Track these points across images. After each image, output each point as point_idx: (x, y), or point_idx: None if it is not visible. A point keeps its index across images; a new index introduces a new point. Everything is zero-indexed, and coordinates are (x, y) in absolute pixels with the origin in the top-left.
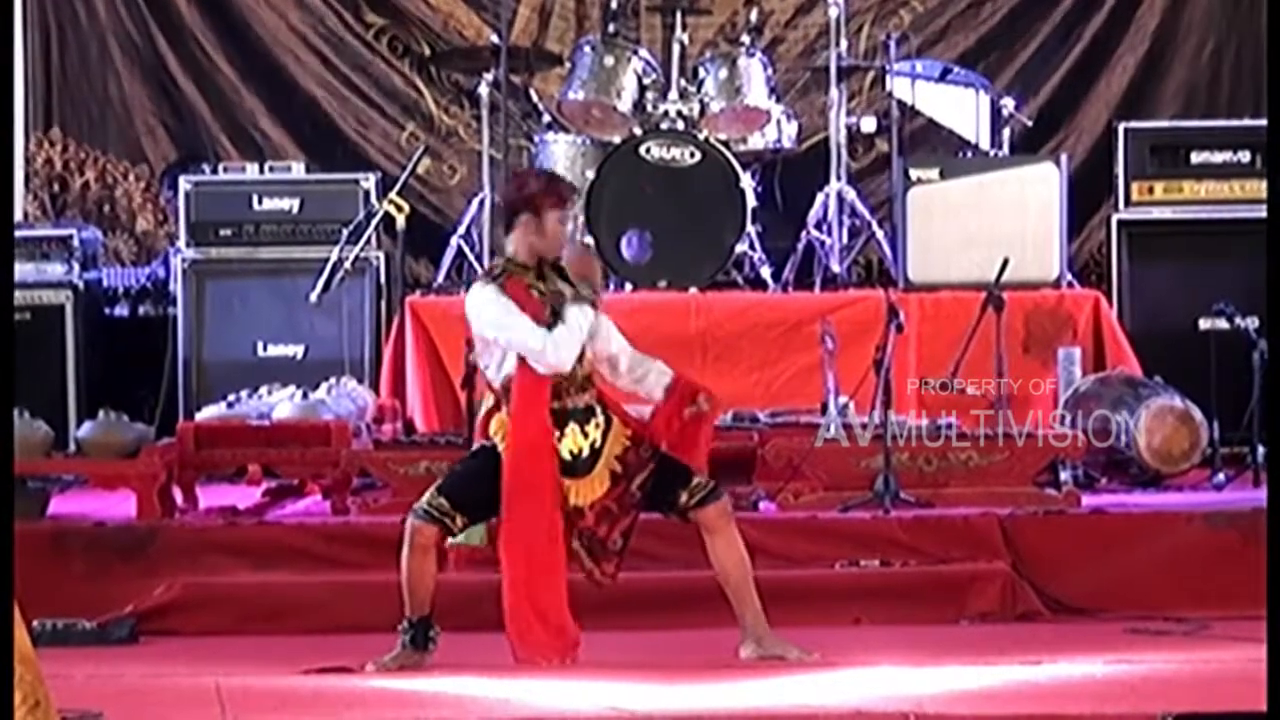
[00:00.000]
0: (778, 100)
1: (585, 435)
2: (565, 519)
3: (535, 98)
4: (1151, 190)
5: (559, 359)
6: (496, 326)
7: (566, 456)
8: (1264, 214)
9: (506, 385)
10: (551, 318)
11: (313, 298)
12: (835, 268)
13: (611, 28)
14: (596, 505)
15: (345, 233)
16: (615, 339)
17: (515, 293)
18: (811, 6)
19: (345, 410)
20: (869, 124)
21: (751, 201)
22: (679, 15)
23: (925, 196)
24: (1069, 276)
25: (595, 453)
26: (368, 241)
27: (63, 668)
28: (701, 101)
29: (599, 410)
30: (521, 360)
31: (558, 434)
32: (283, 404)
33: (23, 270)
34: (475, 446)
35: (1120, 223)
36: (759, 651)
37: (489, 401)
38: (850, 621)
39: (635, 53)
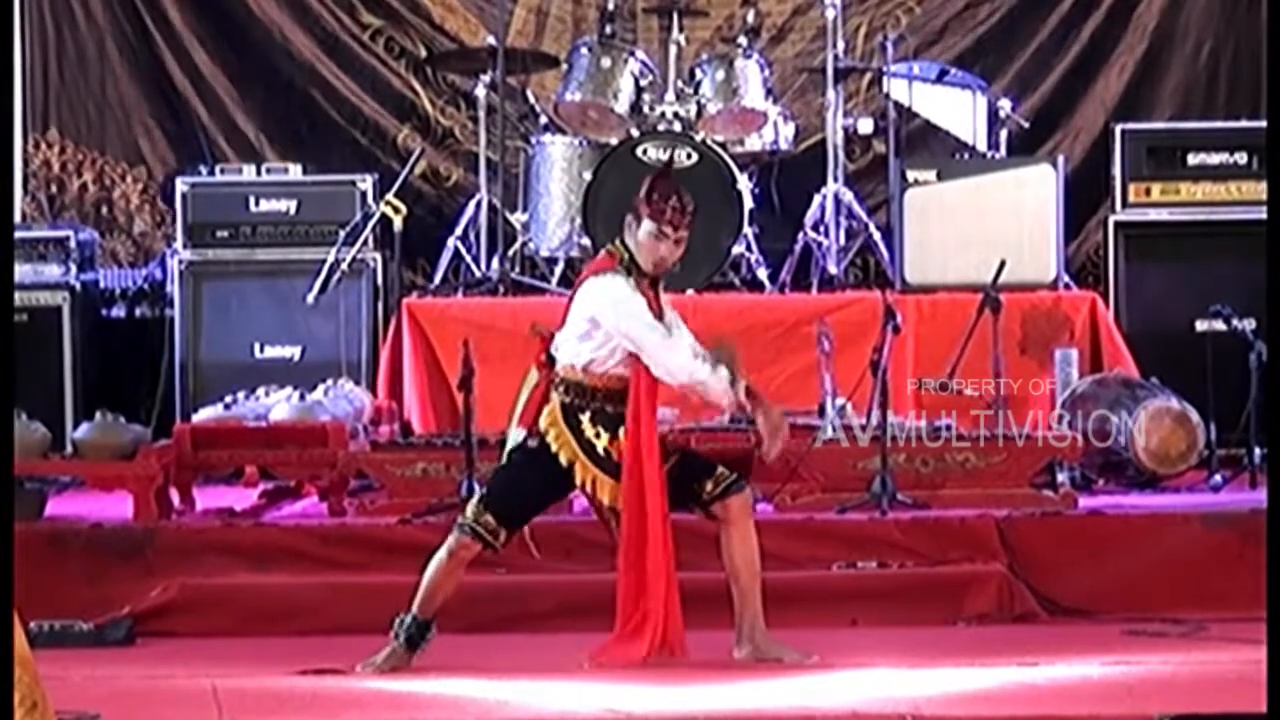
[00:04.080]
0: (775, 102)
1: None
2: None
3: (532, 99)
4: (1148, 192)
5: (676, 379)
6: (636, 320)
7: (618, 460)
8: (1261, 215)
9: (601, 378)
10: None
11: (310, 299)
12: (832, 269)
13: (608, 29)
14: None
15: (342, 234)
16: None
17: (643, 291)
18: (808, 8)
19: (342, 412)
20: (866, 125)
21: (749, 203)
22: (676, 17)
23: (922, 198)
24: (1066, 278)
25: None
26: (365, 243)
27: (60, 669)
28: (698, 103)
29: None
30: (637, 361)
31: (609, 437)
32: (280, 405)
33: (20, 271)
34: (518, 439)
35: (1117, 224)
36: (756, 654)
37: (533, 380)
38: (847, 623)
39: (632, 54)
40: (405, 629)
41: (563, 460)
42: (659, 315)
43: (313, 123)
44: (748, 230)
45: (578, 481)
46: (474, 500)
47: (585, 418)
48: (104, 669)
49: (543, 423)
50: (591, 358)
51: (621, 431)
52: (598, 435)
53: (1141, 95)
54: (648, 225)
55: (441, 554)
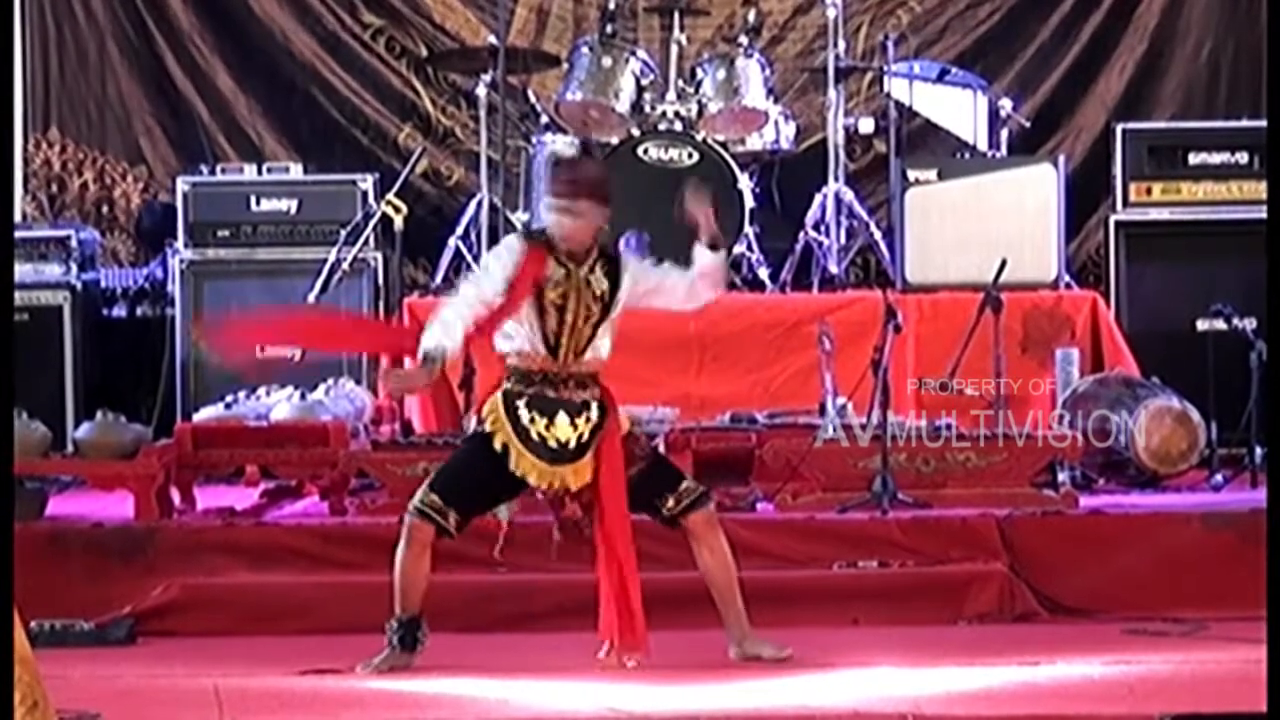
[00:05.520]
0: (775, 101)
1: (574, 427)
2: (550, 504)
3: (533, 98)
4: (1149, 191)
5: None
6: (473, 272)
7: (553, 445)
8: (1262, 215)
9: (534, 359)
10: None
11: (311, 299)
12: (833, 268)
13: (609, 28)
14: (584, 494)
15: (343, 234)
16: (653, 277)
17: (531, 255)
18: (809, 7)
19: (343, 411)
20: (867, 125)
21: (749, 202)
22: (677, 16)
23: (923, 197)
24: (1067, 277)
25: (581, 445)
26: (365, 242)
27: (61, 668)
28: (699, 102)
29: (594, 407)
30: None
31: (545, 422)
32: (280, 405)
33: (21, 271)
34: (470, 431)
35: (1118, 224)
36: (739, 652)
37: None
38: (848, 622)
39: (633, 54)
40: (395, 632)
41: (497, 444)
42: (585, 293)
43: (313, 122)
44: (749, 230)
45: (512, 466)
46: (424, 484)
47: (522, 403)
48: (105, 668)
49: (485, 409)
50: (511, 336)
51: (559, 417)
52: (533, 420)
53: (1142, 95)
54: (545, 200)
55: (400, 544)
